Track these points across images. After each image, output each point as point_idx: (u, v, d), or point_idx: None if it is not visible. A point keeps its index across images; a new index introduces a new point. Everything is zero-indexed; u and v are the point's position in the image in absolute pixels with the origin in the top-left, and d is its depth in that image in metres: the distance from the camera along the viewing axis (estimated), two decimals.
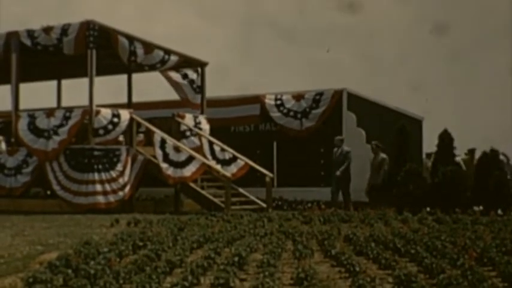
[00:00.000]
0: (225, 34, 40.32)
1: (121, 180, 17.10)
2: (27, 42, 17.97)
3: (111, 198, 16.96)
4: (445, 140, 16.77)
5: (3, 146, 18.18)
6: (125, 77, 21.03)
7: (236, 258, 7.88)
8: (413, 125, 20.46)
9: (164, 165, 17.01)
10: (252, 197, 17.58)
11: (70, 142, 17.38)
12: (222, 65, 33.81)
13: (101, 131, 17.21)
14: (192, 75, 20.03)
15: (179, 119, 18.94)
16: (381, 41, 37.63)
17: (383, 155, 17.42)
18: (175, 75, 19.98)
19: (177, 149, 17.25)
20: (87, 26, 17.17)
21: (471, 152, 18.65)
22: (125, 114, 17.65)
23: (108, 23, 17.54)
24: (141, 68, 19.12)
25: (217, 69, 28.73)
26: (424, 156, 19.93)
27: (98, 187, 16.89)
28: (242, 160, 18.06)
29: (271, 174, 17.90)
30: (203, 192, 17.38)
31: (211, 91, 20.20)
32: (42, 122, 17.58)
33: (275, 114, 20.33)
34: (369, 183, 17.48)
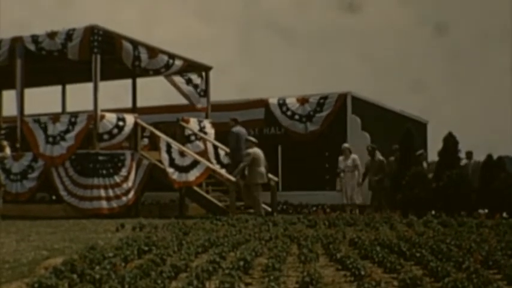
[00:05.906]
0: (226, 36, 40.49)
1: (125, 186, 17.13)
2: (32, 47, 18.01)
3: (114, 203, 16.99)
4: (450, 143, 16.73)
5: (8, 151, 18.20)
6: (129, 81, 21.08)
7: (241, 263, 7.86)
8: (418, 128, 20.44)
9: (170, 170, 17.01)
10: None
11: (77, 148, 17.41)
12: (222, 67, 33.92)
13: (106, 136, 17.24)
14: (196, 79, 20.08)
15: (184, 124, 18.95)
16: (382, 41, 37.72)
17: None
18: (179, 81, 20.02)
19: (182, 154, 17.25)
20: (92, 31, 17.20)
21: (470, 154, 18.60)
22: (129, 119, 17.67)
23: (110, 27, 17.64)
24: (145, 73, 19.14)
25: (218, 71, 28.75)
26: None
27: (102, 192, 16.92)
28: None
29: (276, 178, 17.89)
30: (208, 196, 17.40)
31: (213, 93, 20.26)
32: (48, 128, 17.61)
33: (280, 116, 20.34)
34: None
